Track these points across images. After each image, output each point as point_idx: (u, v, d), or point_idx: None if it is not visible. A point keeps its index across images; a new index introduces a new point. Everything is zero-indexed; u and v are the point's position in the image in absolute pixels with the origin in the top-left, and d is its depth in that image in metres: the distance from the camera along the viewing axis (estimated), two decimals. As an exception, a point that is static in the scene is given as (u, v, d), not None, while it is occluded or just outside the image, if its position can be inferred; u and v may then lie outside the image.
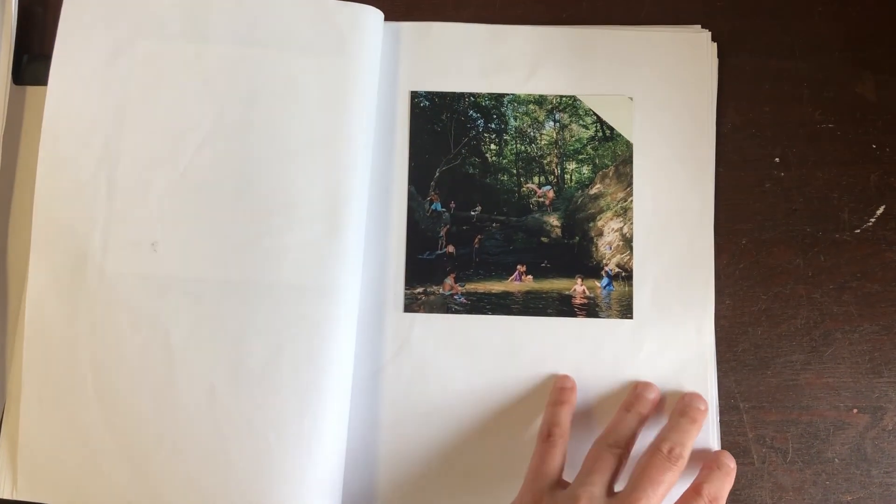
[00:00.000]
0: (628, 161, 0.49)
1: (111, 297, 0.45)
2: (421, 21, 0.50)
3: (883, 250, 0.47)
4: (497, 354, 0.47)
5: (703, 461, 0.43)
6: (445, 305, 0.47)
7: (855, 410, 0.46)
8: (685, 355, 0.46)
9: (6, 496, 0.44)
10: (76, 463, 0.44)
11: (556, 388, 0.45)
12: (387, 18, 0.49)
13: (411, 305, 0.47)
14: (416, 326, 0.47)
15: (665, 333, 0.47)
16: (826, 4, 0.50)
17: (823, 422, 0.46)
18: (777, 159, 0.49)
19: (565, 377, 0.46)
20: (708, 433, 0.45)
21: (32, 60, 0.49)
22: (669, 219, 0.48)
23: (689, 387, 0.46)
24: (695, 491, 0.41)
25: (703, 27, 0.50)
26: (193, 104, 0.46)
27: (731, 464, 0.43)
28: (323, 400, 0.44)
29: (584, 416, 0.46)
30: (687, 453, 0.42)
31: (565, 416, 0.44)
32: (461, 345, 0.47)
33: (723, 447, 0.46)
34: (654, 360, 0.46)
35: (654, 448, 0.42)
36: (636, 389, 0.45)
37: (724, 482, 0.42)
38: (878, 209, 0.48)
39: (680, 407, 0.44)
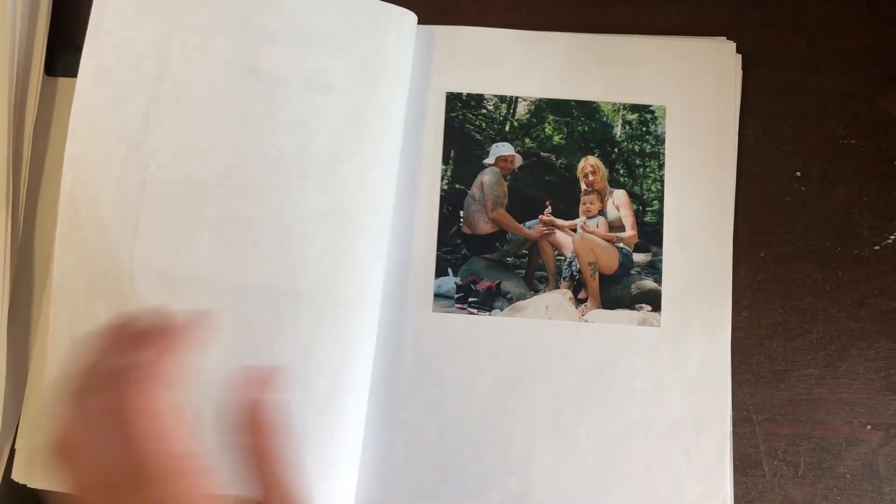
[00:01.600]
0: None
1: (136, 296, 0.45)
2: (447, 25, 0.50)
3: (902, 268, 0.48)
4: (516, 356, 0.47)
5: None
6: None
7: (868, 427, 0.46)
8: (702, 365, 0.46)
9: (31, 483, 0.45)
10: None
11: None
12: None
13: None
14: (436, 327, 0.47)
15: (682, 342, 0.47)
16: (852, 19, 0.50)
17: (836, 437, 0.46)
18: (798, 173, 0.49)
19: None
20: (721, 444, 0.45)
21: (65, 52, 0.49)
22: (690, 227, 0.48)
23: (705, 397, 0.46)
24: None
25: (727, 39, 0.50)
26: (221, 104, 0.47)
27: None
28: (345, 402, 0.44)
29: (596, 422, 0.46)
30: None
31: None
32: (478, 346, 0.47)
33: (735, 459, 0.46)
34: (672, 368, 0.46)
35: None
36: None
37: None
38: (898, 226, 0.48)
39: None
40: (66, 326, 0.45)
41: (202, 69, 0.47)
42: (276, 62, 0.47)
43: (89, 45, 0.47)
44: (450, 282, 0.48)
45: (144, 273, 0.45)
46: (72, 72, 0.48)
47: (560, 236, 0.49)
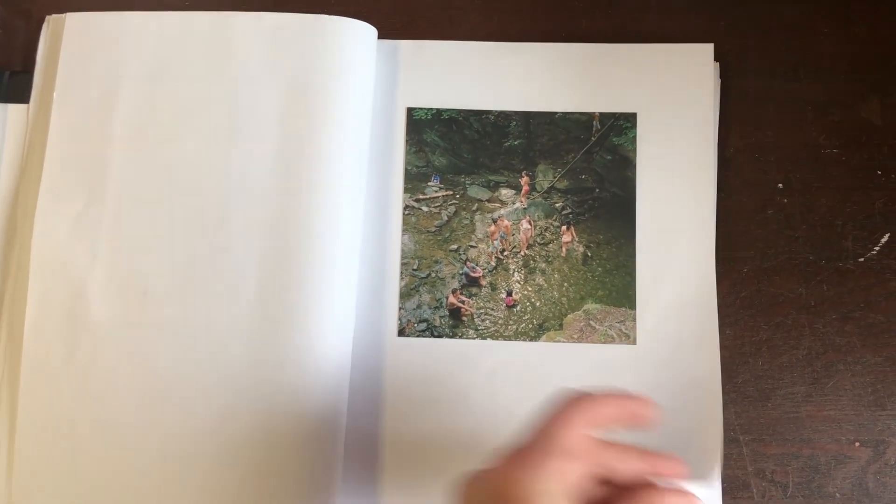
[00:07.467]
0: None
1: (103, 341, 0.44)
2: (418, 39, 0.49)
3: (887, 280, 0.46)
4: (492, 378, 0.45)
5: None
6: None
7: (857, 444, 0.45)
8: (690, 383, 0.45)
9: None
10: (72, 492, 0.43)
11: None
12: (383, 36, 0.48)
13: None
14: (409, 351, 0.46)
15: (668, 360, 0.45)
16: (832, 26, 0.49)
17: (825, 455, 0.45)
18: (780, 185, 0.48)
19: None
20: (710, 465, 0.44)
21: (14, 77, 0.47)
22: (670, 241, 0.47)
23: (693, 415, 0.45)
24: None
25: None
26: (180, 138, 0.45)
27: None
28: (324, 423, 0.43)
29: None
30: None
31: None
32: (452, 369, 0.46)
33: (723, 481, 0.44)
34: (657, 387, 0.45)
35: None
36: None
37: None
38: (882, 237, 0.47)
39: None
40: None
41: (160, 95, 0.45)
42: (235, 88, 0.46)
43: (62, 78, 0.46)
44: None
45: (109, 322, 0.44)
46: (21, 98, 0.46)
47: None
